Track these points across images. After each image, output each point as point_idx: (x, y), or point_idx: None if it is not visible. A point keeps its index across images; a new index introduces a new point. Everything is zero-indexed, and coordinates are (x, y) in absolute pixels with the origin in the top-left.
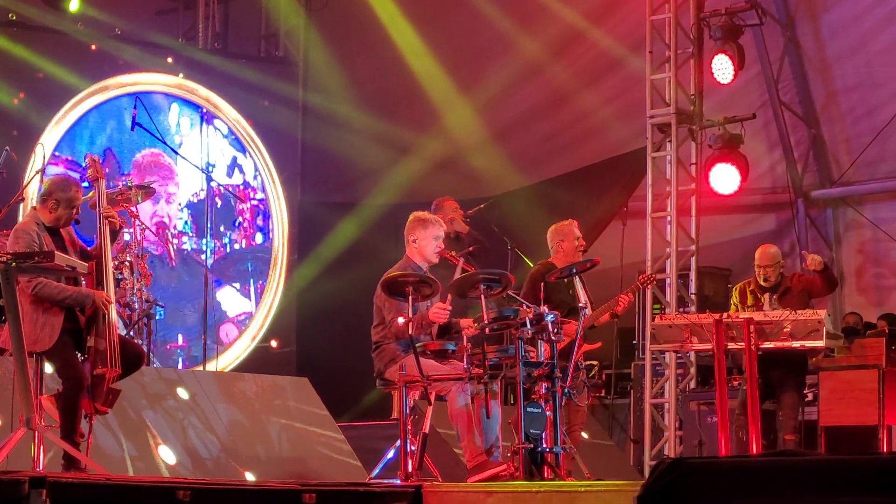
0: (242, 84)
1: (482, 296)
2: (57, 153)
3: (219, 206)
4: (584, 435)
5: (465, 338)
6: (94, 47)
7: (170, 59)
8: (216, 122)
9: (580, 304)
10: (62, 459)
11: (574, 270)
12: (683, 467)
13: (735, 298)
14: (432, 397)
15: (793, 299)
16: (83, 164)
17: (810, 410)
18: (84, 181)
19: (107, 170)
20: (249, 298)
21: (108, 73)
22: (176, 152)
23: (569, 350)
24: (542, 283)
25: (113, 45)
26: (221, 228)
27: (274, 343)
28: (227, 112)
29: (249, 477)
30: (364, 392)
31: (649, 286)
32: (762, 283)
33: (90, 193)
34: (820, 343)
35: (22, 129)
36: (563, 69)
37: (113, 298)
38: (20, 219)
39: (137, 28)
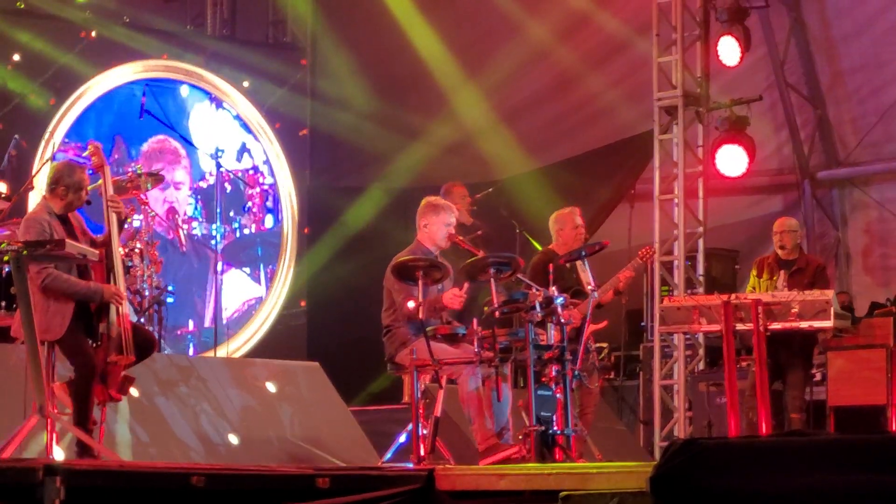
0: (251, 70)
1: (492, 279)
2: (66, 140)
3: (228, 191)
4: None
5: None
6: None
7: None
8: (225, 106)
9: (590, 288)
10: (75, 447)
11: (583, 253)
12: (696, 448)
13: (754, 270)
14: (443, 381)
15: (802, 280)
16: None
17: (819, 390)
18: (88, 170)
19: (116, 156)
20: (260, 283)
21: (117, 61)
22: (185, 139)
23: (576, 333)
24: (548, 268)
25: (121, 33)
26: (231, 213)
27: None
28: (236, 98)
29: (262, 462)
30: (375, 376)
31: (650, 259)
32: (779, 251)
33: (98, 182)
34: (828, 323)
35: (31, 118)
36: (569, 52)
37: (123, 289)
38: (30, 207)
39: (145, 15)
